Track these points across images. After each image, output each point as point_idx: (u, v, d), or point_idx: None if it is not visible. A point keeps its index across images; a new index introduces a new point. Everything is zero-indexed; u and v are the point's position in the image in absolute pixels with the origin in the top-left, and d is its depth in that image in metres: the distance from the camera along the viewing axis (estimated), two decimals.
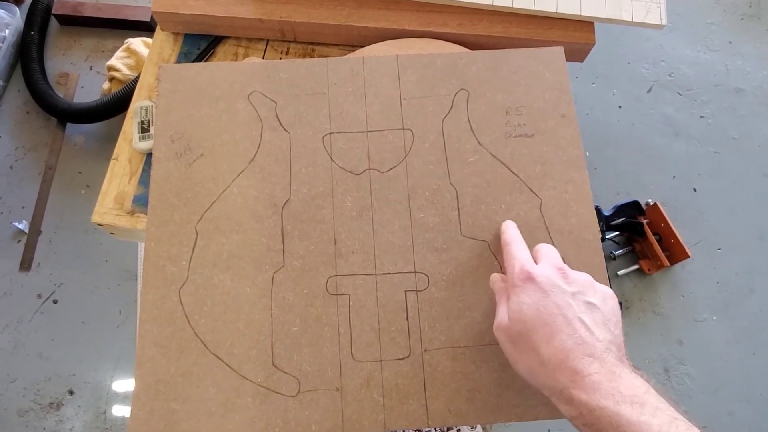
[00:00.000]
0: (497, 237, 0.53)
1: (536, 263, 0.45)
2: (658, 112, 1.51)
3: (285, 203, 0.54)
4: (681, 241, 1.28)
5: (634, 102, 1.52)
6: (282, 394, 0.48)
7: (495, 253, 0.53)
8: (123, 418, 1.22)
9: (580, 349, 0.38)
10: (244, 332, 0.50)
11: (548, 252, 0.46)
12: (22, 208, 1.38)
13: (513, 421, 0.49)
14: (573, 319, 0.39)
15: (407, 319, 0.51)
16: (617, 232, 1.35)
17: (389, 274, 0.52)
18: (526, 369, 0.41)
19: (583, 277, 0.43)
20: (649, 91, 1.54)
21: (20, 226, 1.35)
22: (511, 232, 0.49)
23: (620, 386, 0.36)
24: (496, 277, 0.49)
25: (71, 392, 1.23)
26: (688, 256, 1.27)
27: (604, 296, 0.42)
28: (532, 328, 0.40)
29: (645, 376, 0.38)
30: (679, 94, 1.54)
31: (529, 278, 0.42)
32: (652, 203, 1.34)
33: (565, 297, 0.40)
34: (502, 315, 0.43)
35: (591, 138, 1.44)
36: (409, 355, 0.50)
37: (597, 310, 0.40)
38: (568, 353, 0.38)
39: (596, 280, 0.43)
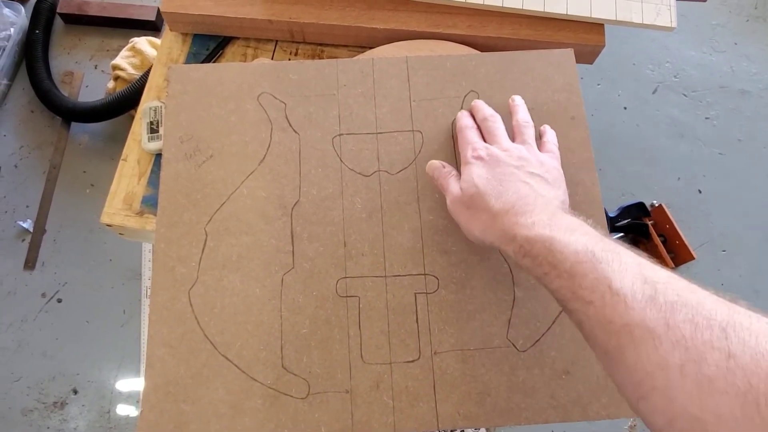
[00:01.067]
0: None
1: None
2: (664, 114, 1.51)
3: (294, 205, 0.53)
4: (686, 242, 1.27)
5: (640, 103, 1.52)
6: (291, 396, 0.48)
7: (506, 256, 0.52)
8: (127, 418, 1.22)
9: (524, 200, 0.44)
10: (253, 334, 0.50)
11: (518, 130, 0.52)
12: (27, 207, 1.38)
13: (522, 424, 0.49)
14: (517, 182, 0.46)
15: (417, 321, 0.51)
16: (622, 234, 1.35)
17: (399, 276, 0.52)
18: (480, 226, 0.46)
19: (529, 155, 0.48)
20: (654, 93, 1.54)
21: (25, 225, 1.36)
22: (465, 119, 0.53)
23: (557, 221, 0.41)
24: (435, 163, 0.53)
25: (75, 391, 1.23)
26: (693, 258, 1.27)
27: (548, 168, 0.48)
28: (483, 191, 0.45)
29: (583, 218, 0.42)
30: (685, 95, 1.54)
31: (479, 157, 0.48)
32: (657, 204, 1.34)
33: (509, 168, 0.47)
34: (454, 189, 0.49)
35: (596, 139, 1.43)
36: (418, 358, 0.50)
37: (539, 177, 0.47)
38: (514, 204, 0.44)
39: None
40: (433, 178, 0.53)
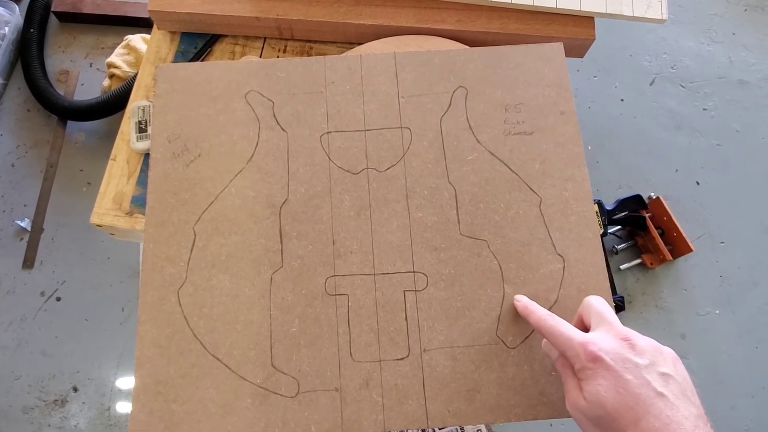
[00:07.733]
0: (496, 236, 0.53)
1: (589, 325, 0.43)
2: (661, 105, 1.50)
3: (283, 203, 0.53)
4: (684, 234, 1.27)
5: (637, 95, 1.51)
6: (281, 395, 0.48)
7: (494, 253, 0.52)
8: (127, 415, 1.22)
9: (668, 430, 0.36)
10: (243, 333, 0.50)
11: (600, 310, 0.44)
12: (24, 206, 1.38)
13: (513, 421, 0.49)
14: (655, 398, 0.37)
15: (406, 319, 0.51)
16: (619, 227, 1.34)
17: (388, 273, 0.52)
18: None
19: (647, 342, 0.41)
20: (651, 84, 1.53)
21: (22, 224, 1.36)
22: (537, 308, 0.47)
23: None
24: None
25: (75, 389, 1.24)
26: (691, 250, 1.27)
27: (673, 360, 0.40)
28: (615, 412, 0.38)
29: None
30: (682, 86, 1.53)
31: (598, 359, 0.39)
32: (654, 197, 1.34)
33: (640, 372, 0.38)
34: (575, 396, 0.41)
35: (593, 132, 1.43)
36: (408, 355, 0.50)
37: (673, 380, 0.39)
38: None
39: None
40: (543, 333, 0.45)
